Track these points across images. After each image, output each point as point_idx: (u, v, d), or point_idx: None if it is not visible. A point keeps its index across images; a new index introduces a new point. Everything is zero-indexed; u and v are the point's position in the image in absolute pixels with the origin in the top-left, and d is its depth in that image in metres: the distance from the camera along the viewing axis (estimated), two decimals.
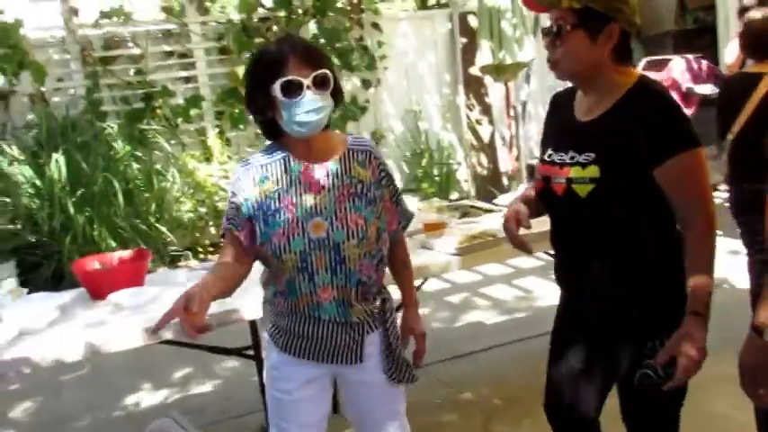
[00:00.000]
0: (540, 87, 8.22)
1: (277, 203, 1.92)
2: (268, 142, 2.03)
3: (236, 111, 6.74)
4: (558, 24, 1.83)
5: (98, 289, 2.91)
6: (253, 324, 3.03)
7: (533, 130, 8.27)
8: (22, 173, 5.58)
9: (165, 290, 2.85)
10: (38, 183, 5.58)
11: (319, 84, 1.85)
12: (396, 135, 7.71)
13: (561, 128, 2.00)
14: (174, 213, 6.20)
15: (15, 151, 5.73)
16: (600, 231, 1.87)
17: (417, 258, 3.04)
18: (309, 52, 1.89)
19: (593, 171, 1.81)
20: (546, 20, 1.93)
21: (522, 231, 2.01)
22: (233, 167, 6.64)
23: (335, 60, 7.03)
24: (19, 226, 5.68)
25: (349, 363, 2.02)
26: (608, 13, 1.79)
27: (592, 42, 1.81)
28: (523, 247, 2.05)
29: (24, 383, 4.18)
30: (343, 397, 2.20)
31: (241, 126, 6.78)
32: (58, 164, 5.44)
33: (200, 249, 6.53)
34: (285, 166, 1.96)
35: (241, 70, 6.58)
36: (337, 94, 1.94)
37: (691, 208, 1.79)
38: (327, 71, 1.88)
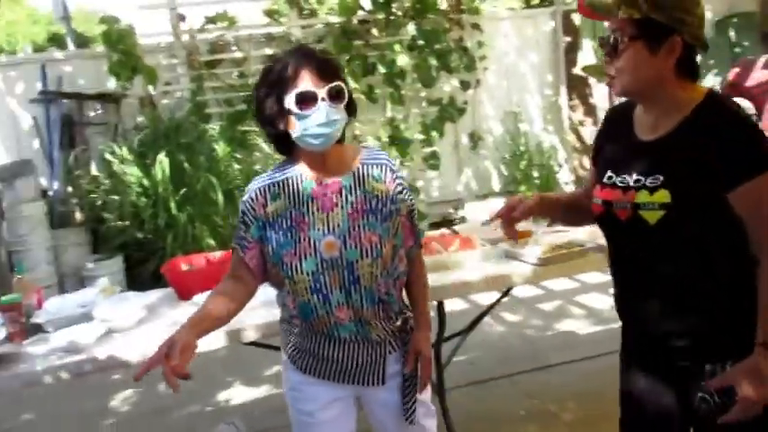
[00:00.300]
0: None
1: (288, 222, 1.88)
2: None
3: None
4: (616, 36, 1.71)
5: (186, 290, 3.00)
6: None
7: None
8: (130, 173, 5.83)
9: None
10: (144, 182, 5.82)
11: (334, 96, 1.81)
12: (494, 137, 7.61)
13: (621, 147, 1.86)
14: None
15: (125, 152, 6.01)
16: (670, 259, 1.74)
17: (498, 267, 2.98)
18: (324, 64, 1.84)
19: (663, 196, 1.67)
20: None
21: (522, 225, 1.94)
22: None
23: (434, 62, 7.01)
24: (127, 223, 5.95)
25: (371, 384, 1.97)
26: (671, 24, 1.65)
27: (652, 55, 1.68)
28: (508, 233, 1.98)
29: (125, 375, 4.37)
30: (368, 417, 2.14)
31: None
32: (161, 164, 5.67)
33: None
34: (297, 183, 1.90)
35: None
36: (350, 106, 1.89)
37: (765, 234, 1.64)
38: (341, 83, 1.83)
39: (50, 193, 6.25)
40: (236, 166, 6.17)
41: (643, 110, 1.81)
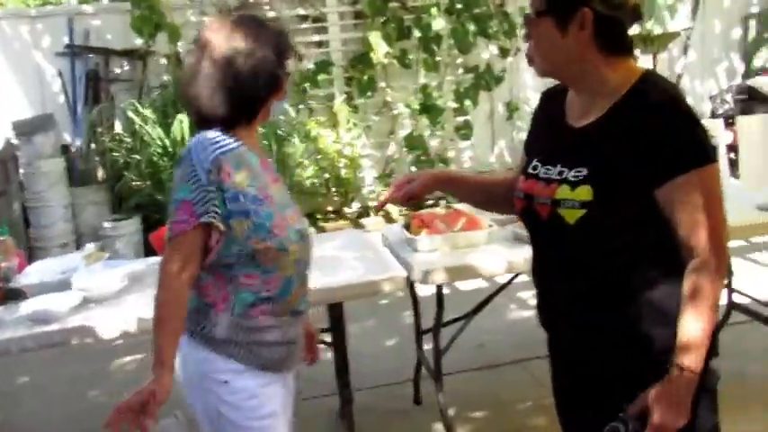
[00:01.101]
0: (700, 60, 7.53)
1: (258, 193, 1.74)
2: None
3: (366, 77, 6.60)
4: (530, 11, 1.53)
5: None
6: (332, 307, 2.89)
7: None
8: (151, 132, 5.71)
9: None
10: (165, 142, 5.69)
11: None
12: (531, 107, 7.27)
13: (551, 133, 1.63)
14: (294, 178, 6.18)
15: (148, 110, 5.88)
16: (590, 267, 1.51)
17: (508, 253, 2.77)
18: None
19: (585, 193, 1.45)
20: None
21: None
22: (357, 134, 6.53)
23: (472, 27, 6.70)
24: (147, 183, 5.85)
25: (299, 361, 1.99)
26: None
27: (561, 33, 1.48)
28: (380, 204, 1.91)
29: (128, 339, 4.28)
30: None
31: (369, 93, 6.62)
32: (181, 123, 5.52)
33: (318, 216, 6.49)
34: (248, 155, 1.77)
35: (375, 35, 6.41)
36: None
37: (697, 234, 1.41)
38: None
39: (72, 149, 6.17)
40: (260, 129, 5.97)
41: (573, 92, 1.59)
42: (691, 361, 1.38)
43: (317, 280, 2.35)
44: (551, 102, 1.68)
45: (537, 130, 1.72)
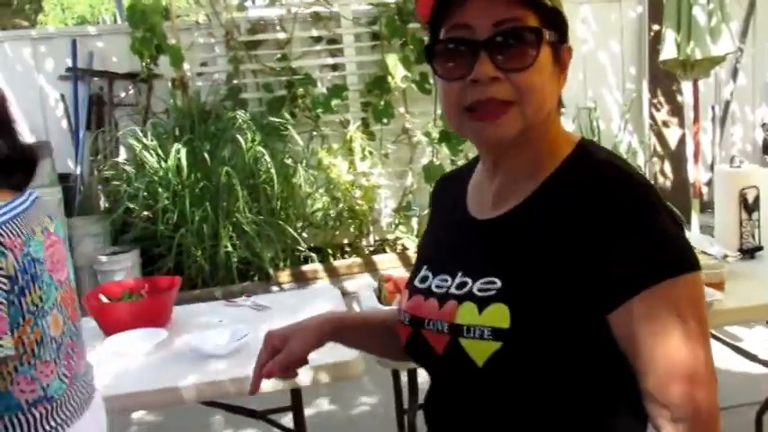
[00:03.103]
0: (751, 84, 6.95)
1: None
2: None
3: (383, 103, 6.18)
4: (510, 30, 1.05)
5: (109, 326, 2.46)
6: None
7: (737, 135, 7.01)
8: (150, 161, 5.38)
9: (177, 334, 2.37)
10: (162, 173, 5.36)
11: None
12: None
13: (448, 232, 1.16)
14: (304, 211, 5.79)
15: (149, 137, 5.57)
16: (505, 423, 1.02)
17: None
18: None
19: (499, 315, 0.97)
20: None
21: None
22: (373, 162, 6.12)
23: None
24: (147, 215, 5.53)
25: None
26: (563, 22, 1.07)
27: (556, 67, 1.07)
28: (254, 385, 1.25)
29: None
30: None
31: (386, 119, 6.20)
32: (178, 154, 5.18)
33: (329, 251, 6.08)
34: None
35: (392, 58, 6.01)
36: None
37: (673, 383, 0.92)
38: None
39: (73, 176, 5.89)
40: (267, 159, 5.60)
41: (489, 170, 1.10)
42: None
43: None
44: (446, 192, 1.22)
45: (430, 229, 1.24)
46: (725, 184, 2.77)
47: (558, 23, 1.04)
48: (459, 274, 1.05)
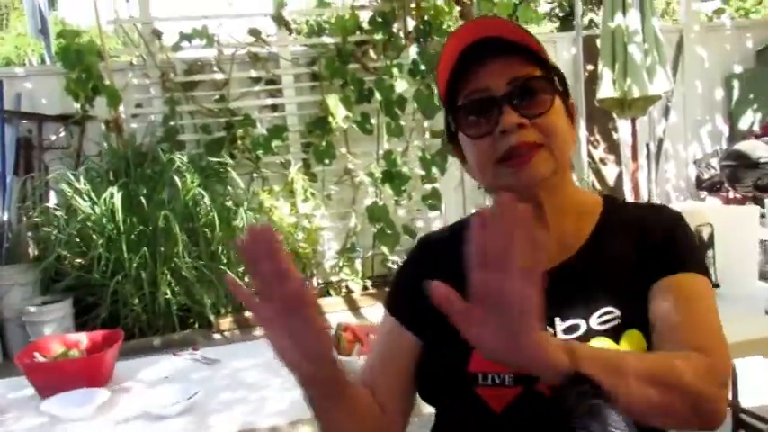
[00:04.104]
0: (682, 122, 7.15)
1: None
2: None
3: (324, 143, 6.11)
4: (527, 79, 1.19)
5: (44, 387, 2.28)
6: None
7: (671, 172, 7.19)
8: (81, 206, 5.16)
9: (120, 393, 2.20)
10: (95, 218, 5.14)
11: None
12: None
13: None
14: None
15: (81, 182, 5.34)
16: None
17: None
18: None
19: (636, 339, 1.05)
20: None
21: None
22: (316, 204, 6.02)
23: (436, 89, 6.25)
24: (79, 262, 5.29)
25: None
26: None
27: (569, 116, 1.21)
28: None
29: None
30: None
31: (327, 160, 6.12)
32: (112, 198, 4.98)
33: None
34: None
35: (333, 99, 5.96)
36: None
37: (706, 334, 1.03)
38: None
39: (0, 223, 5.60)
40: (207, 202, 5.44)
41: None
42: (582, 355, 0.87)
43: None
44: (451, 252, 1.08)
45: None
46: None
47: (561, 78, 1.16)
48: (558, 320, 1.07)
